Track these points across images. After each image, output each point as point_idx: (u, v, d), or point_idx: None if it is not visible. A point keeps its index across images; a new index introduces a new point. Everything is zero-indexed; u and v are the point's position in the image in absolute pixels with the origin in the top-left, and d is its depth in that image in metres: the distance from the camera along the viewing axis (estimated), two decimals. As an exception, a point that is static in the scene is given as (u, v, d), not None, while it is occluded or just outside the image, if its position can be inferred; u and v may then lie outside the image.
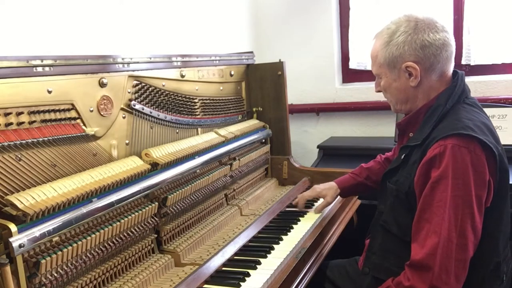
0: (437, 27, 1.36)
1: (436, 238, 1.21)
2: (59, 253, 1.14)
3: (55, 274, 1.14)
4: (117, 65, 1.49)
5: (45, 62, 1.24)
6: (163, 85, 1.73)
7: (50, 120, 1.25)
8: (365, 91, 3.03)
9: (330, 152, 2.81)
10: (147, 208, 1.45)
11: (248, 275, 1.40)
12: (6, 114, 1.14)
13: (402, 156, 1.41)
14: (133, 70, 1.56)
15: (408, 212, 1.34)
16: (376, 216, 1.51)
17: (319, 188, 1.92)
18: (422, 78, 1.37)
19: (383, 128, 2.99)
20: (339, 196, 1.97)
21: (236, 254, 1.55)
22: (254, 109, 2.39)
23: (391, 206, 1.41)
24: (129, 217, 1.38)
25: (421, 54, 1.35)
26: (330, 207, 2.01)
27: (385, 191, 1.46)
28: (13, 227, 1.03)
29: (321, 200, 1.92)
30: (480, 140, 1.24)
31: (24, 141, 1.16)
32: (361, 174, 1.87)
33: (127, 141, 1.53)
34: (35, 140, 1.19)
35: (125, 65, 1.52)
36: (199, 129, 1.94)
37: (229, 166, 1.99)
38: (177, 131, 1.80)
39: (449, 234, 1.20)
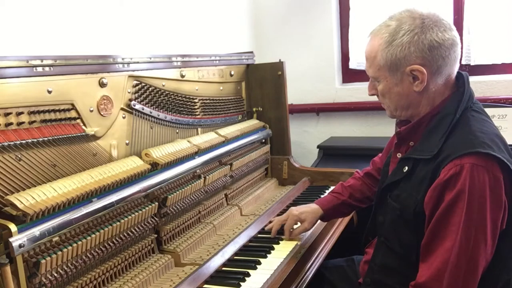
0: (445, 25, 1.24)
1: (445, 264, 1.13)
2: (59, 253, 1.14)
3: (55, 274, 1.14)
4: (117, 65, 1.49)
5: (45, 62, 1.24)
6: (163, 85, 1.73)
7: (50, 120, 1.25)
8: (365, 91, 2.97)
9: (330, 152, 2.81)
10: (147, 208, 1.45)
11: (248, 275, 1.40)
12: (6, 114, 1.14)
13: (405, 169, 1.29)
14: (133, 70, 1.56)
15: (413, 232, 1.25)
16: (376, 225, 1.43)
17: (297, 211, 1.67)
18: (428, 82, 1.24)
19: (383, 128, 2.99)
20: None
21: (236, 254, 1.55)
22: (254, 109, 2.39)
23: (392, 223, 1.32)
24: (129, 217, 1.38)
25: (429, 56, 1.22)
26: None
27: (385, 203, 1.37)
28: (13, 227, 1.03)
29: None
30: (498, 159, 1.14)
31: (24, 141, 1.16)
32: (343, 193, 1.71)
33: (127, 141, 1.53)
34: (35, 140, 1.19)
35: (125, 65, 1.52)
36: (199, 129, 1.94)
37: (229, 166, 1.99)
38: (177, 131, 1.80)
39: (459, 261, 1.12)
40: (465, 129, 1.22)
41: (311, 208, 1.68)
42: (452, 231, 1.14)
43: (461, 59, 2.69)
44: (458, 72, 1.31)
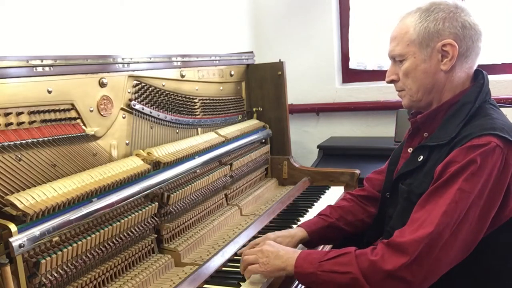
0: (473, 17, 1.28)
1: (431, 228, 1.09)
2: (59, 253, 1.14)
3: (55, 274, 1.14)
4: (117, 65, 1.49)
5: (45, 62, 1.24)
6: (163, 85, 1.73)
7: (50, 120, 1.25)
8: (365, 91, 3.04)
9: (330, 152, 2.81)
10: (147, 208, 1.45)
11: (248, 275, 1.40)
12: (6, 114, 1.14)
13: (420, 158, 1.27)
14: (133, 70, 1.56)
15: None
16: (385, 221, 1.41)
17: (273, 235, 1.45)
18: (455, 63, 1.25)
19: (383, 128, 2.99)
20: (341, 196, 1.81)
21: (236, 254, 1.55)
22: (254, 109, 2.39)
23: (401, 210, 1.30)
24: (129, 217, 1.38)
25: (461, 34, 1.23)
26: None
27: (396, 195, 1.34)
28: (13, 227, 1.03)
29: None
30: None
31: (24, 141, 1.16)
32: (332, 215, 1.56)
33: (127, 141, 1.53)
34: (35, 140, 1.19)
35: (125, 65, 1.52)
36: (199, 129, 1.94)
37: (229, 166, 1.99)
38: (177, 131, 1.80)
39: (444, 230, 1.09)
40: (484, 117, 1.21)
41: (289, 232, 1.50)
42: (447, 199, 1.11)
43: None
44: (477, 70, 1.32)
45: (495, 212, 1.14)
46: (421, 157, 1.27)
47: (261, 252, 1.32)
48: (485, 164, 1.11)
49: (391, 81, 1.37)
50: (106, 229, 1.29)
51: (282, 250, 1.31)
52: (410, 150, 1.38)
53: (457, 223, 1.10)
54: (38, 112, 1.22)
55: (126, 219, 1.36)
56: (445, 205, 1.11)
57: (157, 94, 1.69)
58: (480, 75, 1.30)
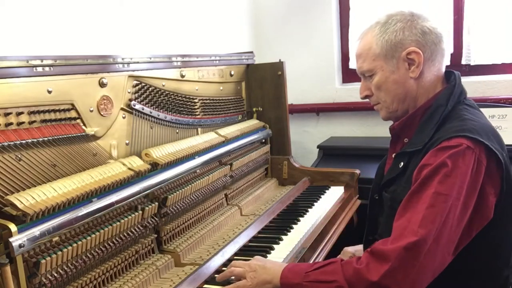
0: (432, 21, 1.29)
1: (413, 237, 1.07)
2: (59, 253, 1.14)
3: (55, 274, 1.14)
4: (117, 65, 1.49)
5: (45, 62, 1.24)
6: (163, 85, 1.73)
7: (50, 120, 1.25)
8: (365, 91, 3.03)
9: (330, 152, 2.81)
10: (147, 208, 1.45)
11: (248, 275, 1.39)
12: (6, 114, 1.14)
13: (400, 165, 1.29)
14: (133, 70, 1.56)
15: None
16: (376, 226, 1.42)
17: (352, 249, 1.60)
18: (423, 68, 1.27)
19: (383, 128, 2.96)
20: (341, 196, 1.86)
21: (236, 254, 1.55)
22: (254, 109, 2.39)
23: (386, 218, 1.30)
24: (129, 217, 1.38)
25: (423, 40, 1.26)
26: (330, 207, 2.01)
27: (382, 203, 1.36)
28: (13, 227, 1.03)
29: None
30: (486, 146, 1.13)
31: (24, 141, 1.16)
32: None
33: (127, 141, 1.53)
34: (35, 140, 1.19)
35: (125, 65, 1.52)
36: (199, 129, 1.94)
37: (229, 166, 1.99)
38: (177, 131, 1.80)
39: (427, 237, 1.07)
40: (456, 119, 1.23)
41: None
42: (424, 203, 1.10)
43: (461, 59, 2.73)
44: (450, 71, 1.33)
45: (479, 214, 1.14)
46: (402, 163, 1.29)
47: (249, 266, 1.31)
48: (457, 165, 1.11)
49: (365, 97, 1.40)
50: (106, 229, 1.29)
51: (269, 263, 1.31)
52: (393, 156, 1.39)
53: (439, 228, 1.09)
54: (38, 112, 1.22)
55: (126, 219, 1.36)
56: (423, 210, 1.10)
57: (157, 94, 1.69)
58: (452, 76, 1.32)
